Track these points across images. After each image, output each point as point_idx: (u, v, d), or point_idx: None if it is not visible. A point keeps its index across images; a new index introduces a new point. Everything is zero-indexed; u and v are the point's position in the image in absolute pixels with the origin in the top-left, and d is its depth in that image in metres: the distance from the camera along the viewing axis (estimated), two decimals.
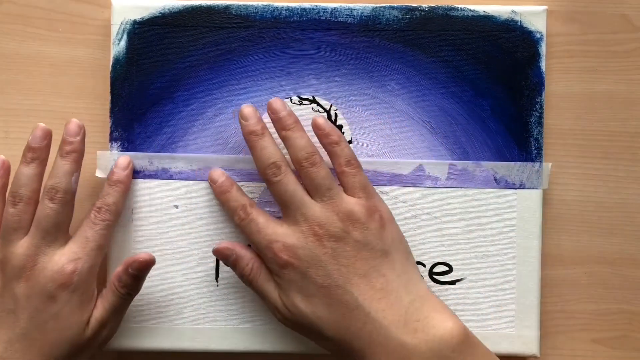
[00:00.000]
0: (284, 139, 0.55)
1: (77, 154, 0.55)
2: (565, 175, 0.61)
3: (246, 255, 0.55)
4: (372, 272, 0.53)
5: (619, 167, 0.61)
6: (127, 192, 0.57)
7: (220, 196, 0.57)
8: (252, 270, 0.55)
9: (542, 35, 0.59)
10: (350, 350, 0.52)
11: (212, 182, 0.58)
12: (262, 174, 0.55)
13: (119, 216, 0.57)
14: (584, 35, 0.61)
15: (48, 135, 0.55)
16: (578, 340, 0.61)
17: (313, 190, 0.54)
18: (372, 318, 0.52)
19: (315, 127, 0.55)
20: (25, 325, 0.53)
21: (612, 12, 0.61)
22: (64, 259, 0.54)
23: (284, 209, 0.55)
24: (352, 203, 0.54)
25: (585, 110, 0.61)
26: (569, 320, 0.61)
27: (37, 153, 0.55)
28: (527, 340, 0.59)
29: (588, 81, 0.61)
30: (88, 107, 0.60)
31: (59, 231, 0.55)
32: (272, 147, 0.55)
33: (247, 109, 0.56)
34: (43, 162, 0.55)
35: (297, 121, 0.55)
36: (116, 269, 0.56)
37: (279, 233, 0.54)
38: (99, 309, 0.55)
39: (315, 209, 0.54)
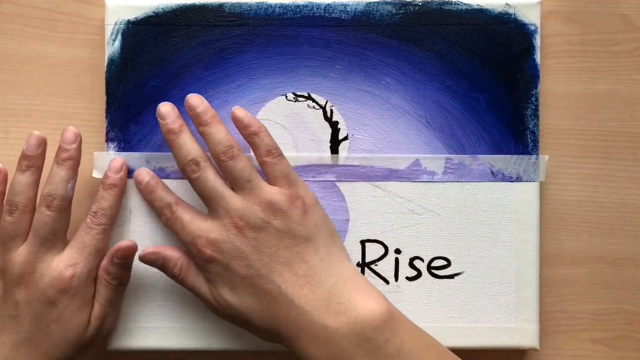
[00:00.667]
0: (202, 134, 0.55)
1: (73, 162, 0.56)
2: (564, 175, 0.61)
3: (173, 256, 0.56)
4: (295, 259, 0.53)
5: (619, 167, 0.61)
6: (122, 195, 0.58)
7: (147, 196, 0.57)
8: (180, 269, 0.56)
9: (536, 27, 0.58)
10: (279, 337, 0.53)
11: (137, 183, 0.58)
12: (182, 171, 0.56)
13: (115, 219, 0.57)
14: (584, 35, 0.61)
15: (42, 143, 0.56)
16: (578, 340, 0.61)
17: (233, 183, 0.55)
18: (296, 305, 0.52)
19: (235, 119, 0.56)
20: (29, 329, 0.54)
21: (612, 12, 0.61)
22: (62, 264, 0.54)
23: (207, 205, 0.55)
24: (273, 192, 0.54)
25: (585, 110, 0.61)
26: (569, 320, 0.61)
27: (32, 161, 0.55)
28: (527, 334, 0.58)
29: (588, 81, 0.61)
30: (88, 107, 0.60)
31: (56, 237, 0.55)
32: (189, 144, 0.55)
33: (164, 107, 0.56)
34: (38, 169, 0.56)
35: (214, 116, 0.55)
36: (102, 263, 0.56)
37: (202, 228, 0.54)
38: (96, 307, 0.56)
39: (235, 201, 0.54)
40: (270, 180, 0.55)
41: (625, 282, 0.61)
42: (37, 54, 0.61)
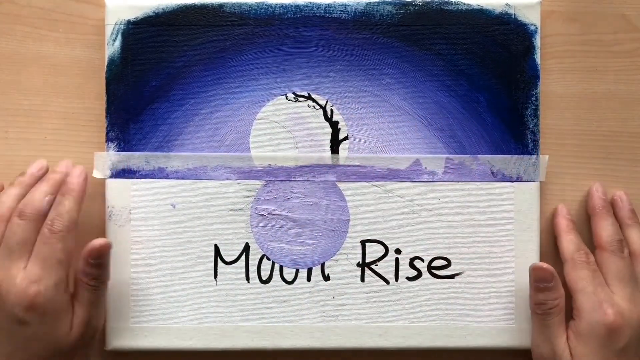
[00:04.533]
0: (625, 226, 0.59)
1: (55, 181, 0.55)
2: (564, 175, 0.61)
3: (560, 290, 0.56)
4: None
5: (619, 167, 0.61)
6: (81, 201, 0.55)
7: (566, 226, 0.59)
8: (556, 306, 0.56)
9: (536, 27, 0.59)
10: None
11: (556, 216, 0.60)
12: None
13: (75, 225, 0.55)
14: (584, 35, 0.61)
15: (43, 169, 0.56)
16: None
17: (616, 278, 0.57)
18: None
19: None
20: (9, 347, 0.53)
21: (612, 12, 0.61)
22: (25, 282, 0.53)
23: (583, 293, 0.56)
24: None
25: (585, 110, 0.61)
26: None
27: (27, 178, 0.56)
28: (527, 334, 0.58)
29: (588, 81, 0.61)
30: (88, 107, 0.60)
31: (24, 249, 0.53)
32: (615, 227, 0.58)
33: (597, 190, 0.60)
34: (27, 187, 0.55)
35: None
36: (78, 266, 0.55)
37: (607, 300, 0.56)
38: (79, 310, 0.55)
39: (622, 301, 0.56)
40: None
41: None
42: (37, 54, 0.61)
